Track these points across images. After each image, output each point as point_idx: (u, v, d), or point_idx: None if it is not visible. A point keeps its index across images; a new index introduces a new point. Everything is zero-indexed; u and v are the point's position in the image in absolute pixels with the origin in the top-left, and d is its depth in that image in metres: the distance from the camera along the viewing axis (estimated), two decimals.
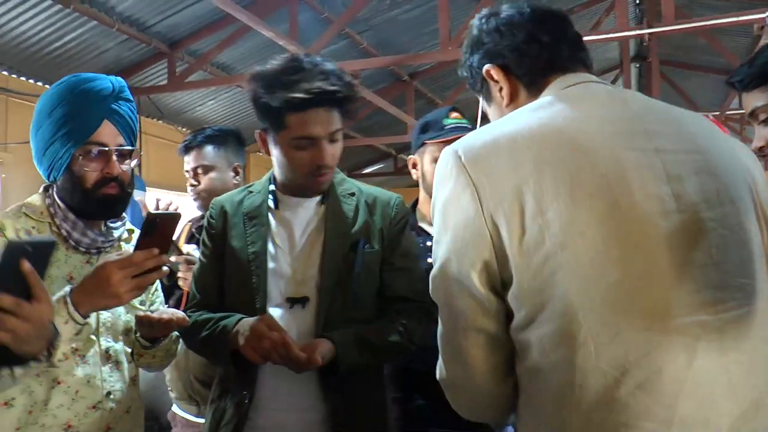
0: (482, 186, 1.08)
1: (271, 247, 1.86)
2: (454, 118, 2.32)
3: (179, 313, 1.82)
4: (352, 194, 1.94)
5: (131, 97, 1.81)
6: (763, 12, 4.68)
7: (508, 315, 1.11)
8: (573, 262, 1.02)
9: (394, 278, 1.91)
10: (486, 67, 1.32)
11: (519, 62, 1.28)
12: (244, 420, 1.78)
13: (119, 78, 1.80)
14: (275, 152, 1.87)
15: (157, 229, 1.56)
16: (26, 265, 1.30)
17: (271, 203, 1.91)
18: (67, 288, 1.55)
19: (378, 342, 1.78)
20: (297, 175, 1.84)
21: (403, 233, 1.96)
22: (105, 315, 1.79)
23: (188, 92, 7.22)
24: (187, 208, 2.89)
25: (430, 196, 2.36)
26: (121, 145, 1.73)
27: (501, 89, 1.31)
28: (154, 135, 7.33)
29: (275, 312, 1.81)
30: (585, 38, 1.35)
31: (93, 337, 1.74)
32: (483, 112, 1.44)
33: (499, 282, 1.09)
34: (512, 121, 1.16)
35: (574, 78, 1.24)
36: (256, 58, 6.90)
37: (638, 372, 1.01)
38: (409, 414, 2.11)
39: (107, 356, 1.78)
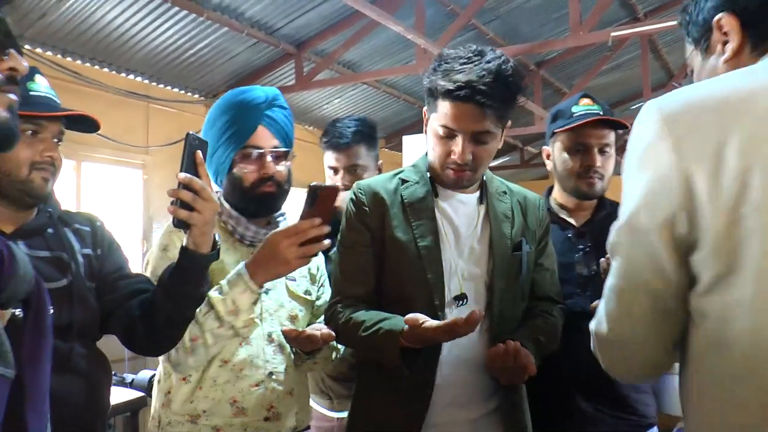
0: (681, 140, 1.02)
1: (439, 242, 1.81)
2: (583, 105, 2.23)
3: (326, 330, 1.83)
4: (504, 193, 1.92)
5: (286, 105, 1.98)
6: None
7: (690, 283, 1.05)
8: None
9: (543, 278, 1.92)
10: (719, 15, 1.21)
11: (760, 14, 1.18)
12: (423, 416, 1.74)
13: (273, 88, 1.99)
14: (428, 132, 1.84)
15: (319, 200, 1.66)
16: (200, 155, 1.52)
17: (434, 194, 1.85)
18: (242, 263, 1.75)
19: (546, 344, 1.79)
20: (437, 165, 1.81)
21: (548, 234, 1.98)
22: (268, 302, 1.91)
23: (315, 91, 7.34)
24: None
25: (566, 188, 2.30)
26: (275, 147, 1.90)
27: (726, 43, 1.21)
28: None
29: (446, 311, 1.77)
30: None
31: (257, 320, 1.86)
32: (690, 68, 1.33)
33: (685, 243, 1.02)
34: (724, 82, 1.08)
35: None
36: (382, 55, 6.95)
37: None
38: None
39: (270, 339, 1.90)
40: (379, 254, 1.84)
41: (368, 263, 1.84)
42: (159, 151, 6.08)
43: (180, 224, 1.50)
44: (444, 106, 1.72)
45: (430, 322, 1.57)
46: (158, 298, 1.60)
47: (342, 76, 7.03)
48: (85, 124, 1.70)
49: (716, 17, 1.21)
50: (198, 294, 1.62)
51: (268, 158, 1.87)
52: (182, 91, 6.57)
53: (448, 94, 1.70)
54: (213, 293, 1.73)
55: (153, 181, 6.09)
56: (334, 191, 1.69)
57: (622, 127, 2.24)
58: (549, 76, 9.11)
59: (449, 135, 1.74)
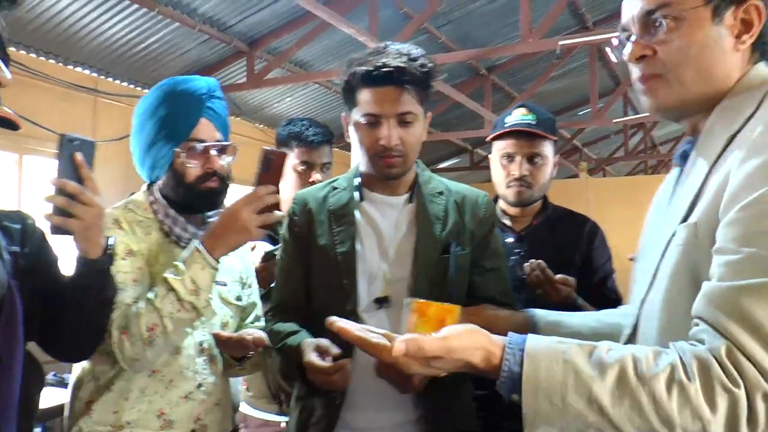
0: None
1: (359, 247, 1.82)
2: (517, 115, 2.32)
3: (257, 333, 1.85)
4: (441, 193, 1.89)
5: (222, 96, 1.89)
6: None
7: None
8: None
9: (485, 280, 1.88)
10: (757, 3, 1.18)
11: None
12: (335, 419, 1.76)
13: (212, 78, 1.90)
14: (351, 133, 1.84)
15: (272, 166, 1.66)
16: (79, 157, 1.42)
17: (357, 200, 1.87)
18: (195, 240, 1.70)
19: None
20: (366, 158, 1.81)
21: (492, 233, 1.92)
22: None
23: (266, 90, 7.32)
24: None
25: (500, 195, 2.38)
26: (218, 141, 1.83)
27: (739, 30, 1.18)
28: (232, 132, 7.43)
29: (366, 315, 1.77)
30: None
31: (188, 329, 1.80)
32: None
33: None
34: None
35: None
36: (335, 55, 6.95)
37: None
38: (494, 413, 2.10)
39: (202, 349, 1.84)
40: (307, 263, 1.88)
41: (296, 272, 1.90)
42: (107, 146, 5.97)
43: (56, 231, 1.42)
44: (364, 95, 1.76)
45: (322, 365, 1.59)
46: (63, 308, 1.50)
47: (294, 75, 7.02)
48: (5, 123, 1.63)
49: (754, 1, 1.17)
50: (103, 299, 1.55)
51: (213, 152, 1.81)
52: (132, 86, 6.47)
53: (366, 80, 1.74)
54: (168, 275, 1.66)
55: (102, 178, 5.88)
56: (284, 156, 1.70)
57: (549, 137, 2.32)
58: (500, 80, 9.23)
59: (374, 122, 1.76)
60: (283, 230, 1.98)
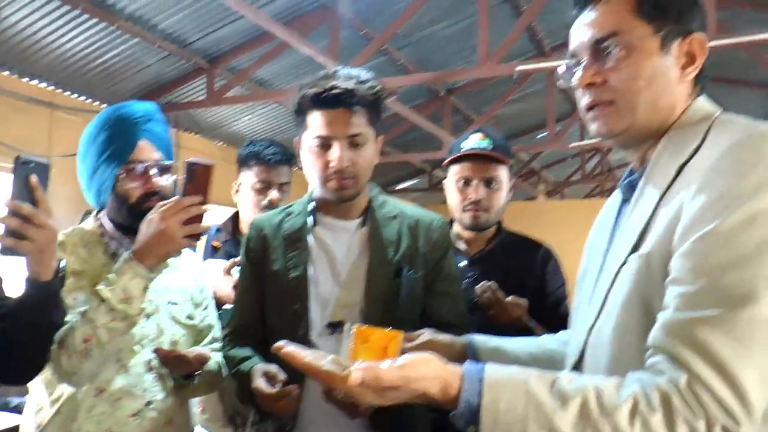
0: None
1: (312, 272, 1.84)
2: (473, 140, 2.35)
3: (199, 350, 1.86)
4: (395, 217, 1.91)
5: (162, 119, 1.95)
6: None
7: None
8: None
9: (439, 303, 1.89)
10: (700, 34, 1.23)
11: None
12: None
13: (151, 102, 1.97)
14: (303, 157, 1.87)
15: (197, 176, 1.67)
16: (33, 179, 1.43)
17: (311, 224, 1.89)
18: (126, 252, 1.71)
19: None
20: (318, 181, 1.83)
21: (446, 257, 1.94)
22: (148, 328, 1.86)
23: (225, 107, 7.29)
24: (216, 219, 2.91)
25: (457, 219, 2.41)
26: (158, 161, 1.86)
27: (684, 62, 1.23)
28: (191, 149, 7.41)
29: (319, 339, 1.78)
30: None
31: (136, 347, 1.81)
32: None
33: None
34: None
35: None
36: (295, 74, 6.97)
37: None
38: None
39: (150, 366, 1.84)
40: (261, 288, 1.90)
41: (251, 297, 1.92)
42: (62, 161, 5.87)
43: (8, 252, 1.43)
44: (315, 118, 1.78)
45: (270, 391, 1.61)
46: (10, 329, 1.50)
47: (253, 94, 7.01)
48: None
49: (697, 34, 1.23)
50: (52, 321, 1.55)
51: (152, 172, 1.85)
52: (89, 100, 6.41)
53: (316, 103, 1.77)
54: (100, 287, 1.68)
55: (58, 194, 5.79)
56: (210, 168, 1.70)
57: (505, 162, 2.36)
58: (459, 102, 9.32)
59: (325, 144, 1.78)
60: (241, 256, 2.00)
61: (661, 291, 1.07)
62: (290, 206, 1.99)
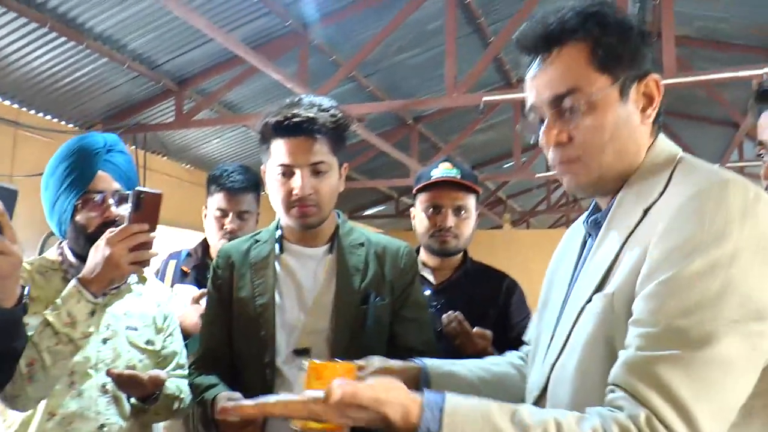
0: None
1: (278, 299, 1.85)
2: (442, 169, 2.38)
3: (157, 373, 1.86)
4: (361, 245, 1.93)
5: (126, 151, 1.99)
6: (762, 68, 4.76)
7: None
8: None
9: (406, 330, 1.90)
10: (655, 75, 1.25)
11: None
12: None
13: (113, 135, 2.02)
14: (267, 184, 1.88)
15: (144, 205, 1.68)
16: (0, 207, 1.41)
17: (277, 251, 1.90)
18: (74, 279, 1.70)
19: None
20: (282, 208, 1.84)
21: (413, 284, 1.95)
22: (105, 352, 1.88)
23: (194, 130, 7.28)
24: (177, 244, 2.91)
25: (424, 246, 2.43)
26: (117, 191, 1.90)
27: (646, 106, 1.25)
28: (159, 171, 7.37)
29: (285, 366, 1.79)
30: None
31: (91, 371, 1.83)
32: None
33: None
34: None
35: None
36: (264, 99, 6.98)
37: None
38: None
39: (104, 390, 1.84)
40: (229, 315, 1.90)
41: (218, 324, 1.93)
42: (27, 181, 5.81)
43: None
44: (278, 146, 1.81)
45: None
46: None
47: (222, 117, 7.01)
48: None
49: (652, 74, 1.24)
50: (12, 348, 1.53)
51: (110, 201, 1.88)
52: (56, 119, 6.35)
53: (279, 130, 1.79)
54: (47, 312, 1.68)
55: (21, 214, 5.63)
56: (158, 197, 1.71)
57: (474, 190, 2.40)
58: (426, 130, 9.40)
59: (287, 172, 1.80)
60: (208, 283, 2.01)
61: (623, 331, 1.09)
62: (258, 233, 2.00)
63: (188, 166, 8.09)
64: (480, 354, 2.16)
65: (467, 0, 6.35)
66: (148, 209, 1.68)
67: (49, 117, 6.29)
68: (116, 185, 1.90)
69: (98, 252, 1.68)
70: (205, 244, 2.88)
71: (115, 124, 6.50)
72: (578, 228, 1.44)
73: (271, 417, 1.58)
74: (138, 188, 1.70)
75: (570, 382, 1.19)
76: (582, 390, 1.16)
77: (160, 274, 2.90)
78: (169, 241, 8.28)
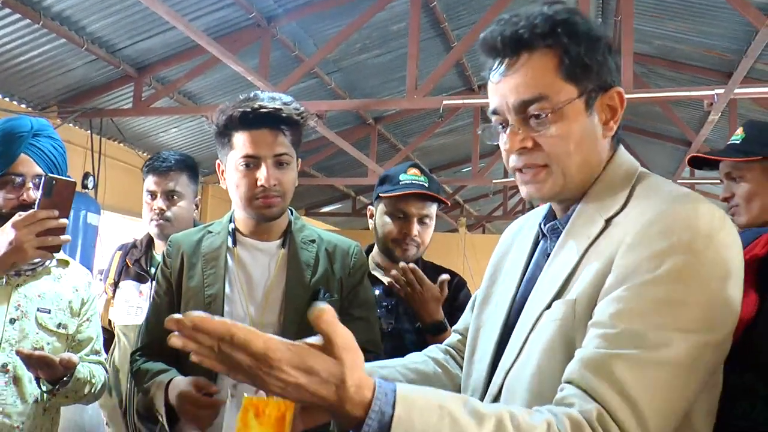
0: None
1: (228, 290, 1.85)
2: (411, 174, 2.37)
3: (67, 355, 1.86)
4: (313, 241, 1.95)
5: (56, 137, 2.02)
6: (712, 89, 4.88)
7: None
8: None
9: (353, 328, 1.85)
10: (618, 88, 1.26)
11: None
12: None
13: (42, 119, 2.04)
14: (227, 178, 1.88)
15: (55, 191, 1.69)
16: None
17: (230, 244, 1.91)
18: None
19: None
20: (244, 201, 1.84)
21: (362, 283, 1.98)
22: (11, 332, 1.89)
23: (152, 118, 7.19)
24: (134, 234, 2.88)
25: (382, 249, 2.42)
26: (38, 175, 1.91)
27: (609, 119, 1.25)
28: (114, 158, 7.26)
29: None
30: None
31: None
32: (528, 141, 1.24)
33: None
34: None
35: None
36: (224, 90, 6.93)
37: None
38: None
39: (5, 370, 1.87)
40: (176, 304, 1.91)
41: (165, 313, 1.87)
42: None
43: None
44: (241, 138, 1.81)
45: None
46: None
47: (181, 107, 6.94)
48: None
49: (616, 88, 1.24)
50: None
51: (30, 185, 1.90)
52: (8, 99, 6.20)
53: (244, 122, 1.79)
54: None
55: None
56: (71, 185, 1.73)
57: (443, 202, 2.41)
58: (386, 131, 9.43)
59: (252, 163, 1.81)
60: (157, 272, 2.01)
61: (584, 335, 1.10)
62: (210, 225, 2.00)
63: (145, 153, 7.98)
64: (431, 312, 2.18)
65: (432, 4, 6.38)
66: (59, 196, 1.69)
67: (1, 97, 6.15)
68: (38, 170, 1.92)
69: (3, 235, 1.68)
70: (150, 236, 2.83)
71: (71, 107, 6.39)
72: (527, 227, 1.44)
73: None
74: (50, 174, 1.72)
75: (525, 390, 1.18)
76: (539, 395, 1.15)
77: (107, 265, 2.87)
78: (123, 230, 8.20)
